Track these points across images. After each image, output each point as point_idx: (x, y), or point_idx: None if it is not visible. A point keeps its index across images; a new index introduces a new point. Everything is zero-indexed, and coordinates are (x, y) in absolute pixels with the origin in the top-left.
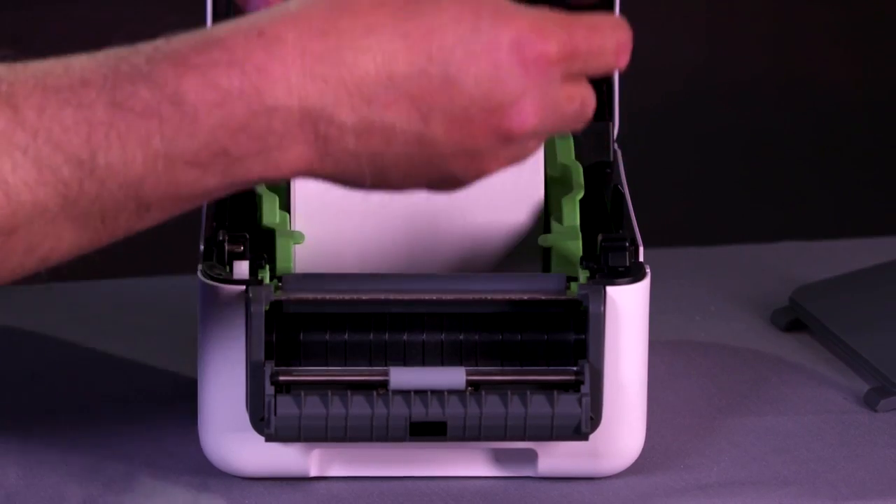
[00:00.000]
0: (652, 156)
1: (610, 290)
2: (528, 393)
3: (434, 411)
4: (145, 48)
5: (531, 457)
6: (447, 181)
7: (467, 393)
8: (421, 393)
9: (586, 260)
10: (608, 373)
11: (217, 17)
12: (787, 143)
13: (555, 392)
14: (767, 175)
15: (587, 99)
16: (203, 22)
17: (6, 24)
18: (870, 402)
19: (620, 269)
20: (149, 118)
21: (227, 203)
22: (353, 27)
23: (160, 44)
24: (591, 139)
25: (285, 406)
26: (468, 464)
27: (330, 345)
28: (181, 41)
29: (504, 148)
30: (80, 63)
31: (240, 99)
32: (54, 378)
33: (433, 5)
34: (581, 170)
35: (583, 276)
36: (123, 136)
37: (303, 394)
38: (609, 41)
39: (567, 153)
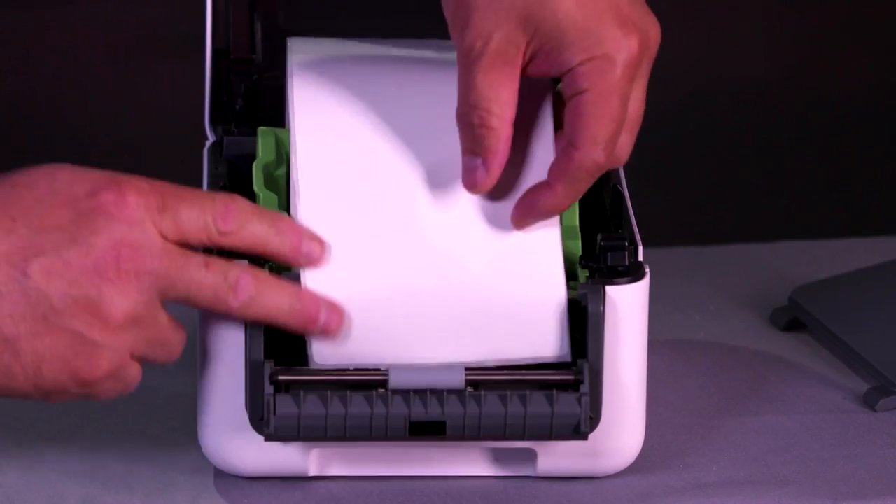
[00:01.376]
0: (651, 155)
1: (609, 289)
2: (528, 392)
3: (433, 411)
4: None
5: (531, 456)
6: (80, 351)
7: (466, 392)
8: (420, 392)
9: (586, 259)
10: (607, 372)
11: (217, 17)
12: (786, 143)
13: (554, 391)
14: (767, 175)
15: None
16: (202, 22)
17: (6, 24)
18: (869, 401)
19: (620, 268)
20: None
21: None
22: None
23: None
24: None
25: (285, 405)
26: (467, 463)
27: None
28: None
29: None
30: None
31: None
32: None
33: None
34: None
35: (582, 275)
36: None
37: (302, 393)
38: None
39: None
